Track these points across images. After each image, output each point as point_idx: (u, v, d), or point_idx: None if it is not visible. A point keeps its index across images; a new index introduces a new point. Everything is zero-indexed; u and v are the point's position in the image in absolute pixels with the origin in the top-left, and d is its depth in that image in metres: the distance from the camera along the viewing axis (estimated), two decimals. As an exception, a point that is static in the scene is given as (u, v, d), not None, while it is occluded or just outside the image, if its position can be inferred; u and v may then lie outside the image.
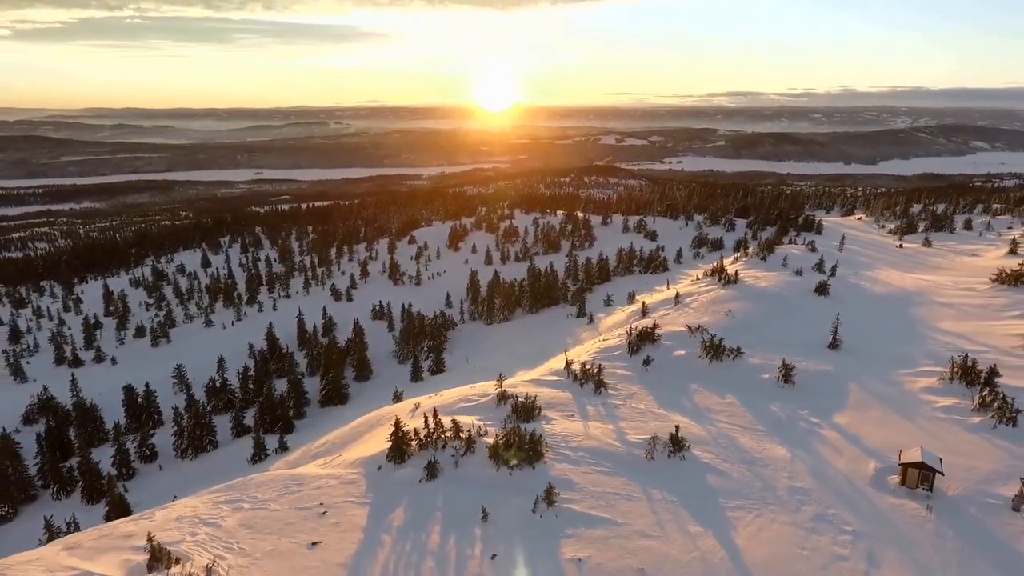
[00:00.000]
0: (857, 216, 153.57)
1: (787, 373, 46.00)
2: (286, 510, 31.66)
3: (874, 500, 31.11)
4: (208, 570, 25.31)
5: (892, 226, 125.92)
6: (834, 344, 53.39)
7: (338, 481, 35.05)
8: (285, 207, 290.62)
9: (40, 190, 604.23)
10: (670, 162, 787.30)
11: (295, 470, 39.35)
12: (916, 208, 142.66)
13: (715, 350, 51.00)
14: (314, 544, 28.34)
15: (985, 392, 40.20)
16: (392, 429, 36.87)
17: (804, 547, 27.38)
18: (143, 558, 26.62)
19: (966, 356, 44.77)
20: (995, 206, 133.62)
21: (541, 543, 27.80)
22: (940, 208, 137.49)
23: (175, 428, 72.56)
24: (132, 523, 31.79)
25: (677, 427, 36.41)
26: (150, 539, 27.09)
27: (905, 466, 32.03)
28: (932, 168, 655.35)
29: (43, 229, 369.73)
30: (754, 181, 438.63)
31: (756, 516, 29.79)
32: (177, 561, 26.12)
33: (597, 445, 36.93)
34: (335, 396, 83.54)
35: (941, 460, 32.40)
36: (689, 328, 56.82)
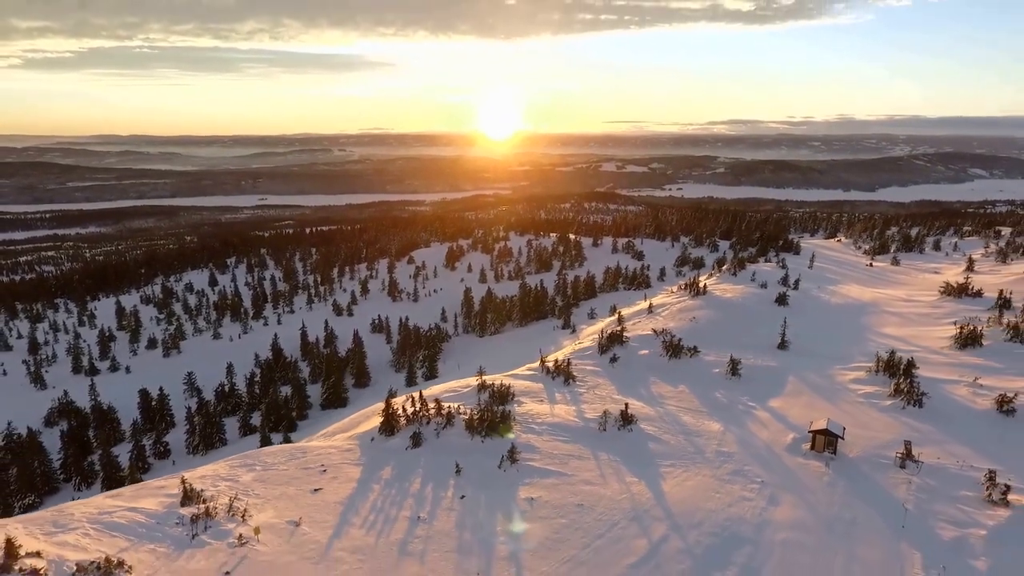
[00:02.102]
0: (838, 239, 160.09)
1: (734, 367, 52.09)
2: (292, 470, 37.61)
3: (785, 461, 37.12)
4: (230, 505, 31.33)
5: (867, 247, 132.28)
6: (782, 345, 59.62)
7: (336, 450, 41.05)
8: (289, 231, 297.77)
9: (47, 215, 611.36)
10: (670, 189, 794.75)
11: (299, 444, 45.41)
12: (893, 230, 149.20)
13: (674, 349, 57.16)
14: (316, 490, 34.33)
15: (900, 381, 46.26)
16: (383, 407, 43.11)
17: (718, 492, 33.39)
18: (176, 499, 32.61)
19: (892, 353, 50.86)
20: (965, 228, 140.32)
21: (503, 488, 33.83)
22: (915, 231, 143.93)
23: (187, 427, 78.76)
24: (163, 480, 37.73)
25: (627, 404, 42.59)
26: (183, 481, 33.18)
27: (813, 433, 38.07)
28: (930, 195, 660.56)
29: (50, 253, 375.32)
30: (753, 207, 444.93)
31: (684, 471, 35.84)
32: (204, 500, 32.12)
33: (559, 421, 43.01)
34: (335, 400, 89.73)
35: (844, 429, 38.48)
36: (655, 332, 62.88)
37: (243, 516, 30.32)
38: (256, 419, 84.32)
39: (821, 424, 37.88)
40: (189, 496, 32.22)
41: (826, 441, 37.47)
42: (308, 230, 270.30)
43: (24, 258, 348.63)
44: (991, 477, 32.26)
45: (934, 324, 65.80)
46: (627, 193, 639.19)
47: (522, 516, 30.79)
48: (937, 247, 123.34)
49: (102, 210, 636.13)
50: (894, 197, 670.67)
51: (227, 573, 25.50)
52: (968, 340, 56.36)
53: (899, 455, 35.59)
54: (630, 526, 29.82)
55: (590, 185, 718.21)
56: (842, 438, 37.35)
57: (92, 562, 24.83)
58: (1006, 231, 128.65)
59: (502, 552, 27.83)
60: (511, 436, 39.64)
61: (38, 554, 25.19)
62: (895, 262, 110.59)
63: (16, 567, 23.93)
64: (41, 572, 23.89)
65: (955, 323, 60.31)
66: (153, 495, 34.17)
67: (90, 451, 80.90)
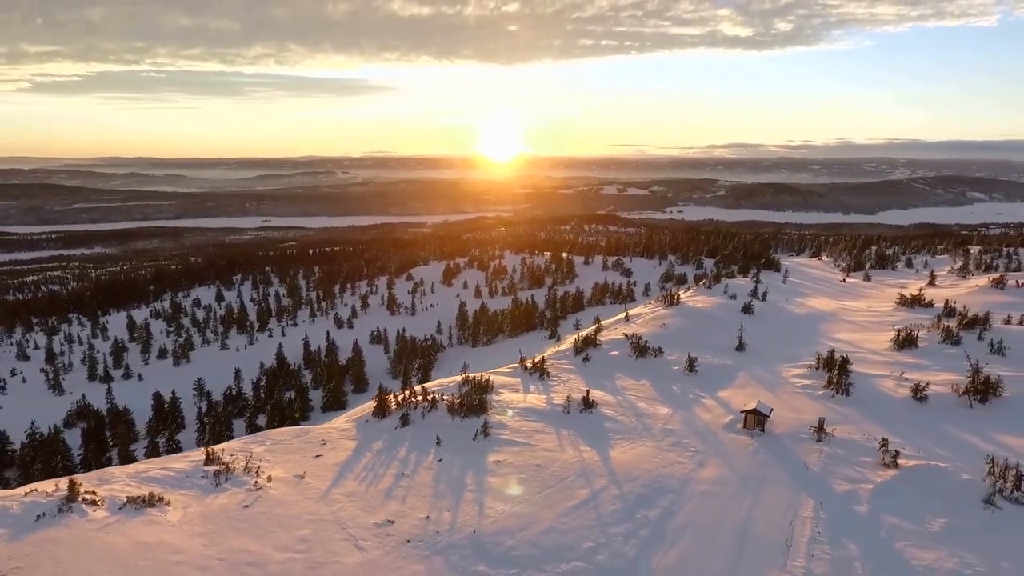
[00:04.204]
0: (820, 257, 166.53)
1: (691, 364, 58.36)
2: (297, 443, 43.81)
3: (719, 435, 43.25)
4: (245, 464, 37.53)
5: (844, 264, 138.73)
6: (740, 347, 65.90)
7: (335, 429, 47.25)
8: (293, 251, 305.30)
9: (53, 235, 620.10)
10: (671, 211, 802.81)
11: (303, 427, 51.69)
12: (872, 249, 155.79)
13: (641, 350, 63.47)
14: (317, 456, 40.54)
15: (833, 374, 52.52)
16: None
17: (657, 457, 39.53)
18: (200, 461, 38.81)
19: (832, 352, 57.07)
20: (939, 247, 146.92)
21: (475, 455, 39.97)
22: (892, 250, 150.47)
23: (198, 426, 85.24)
24: (186, 452, 44.14)
25: (588, 391, 48.88)
26: (206, 448, 39.48)
27: (745, 413, 44.23)
28: (930, 218, 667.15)
29: (56, 273, 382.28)
30: (753, 230, 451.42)
31: (631, 443, 41.98)
32: (224, 462, 38.34)
33: (530, 406, 49.22)
34: (335, 403, 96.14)
35: (772, 410, 44.61)
36: (626, 336, 69.15)
37: (257, 472, 36.54)
38: (262, 420, 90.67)
39: (752, 405, 44.10)
40: (211, 459, 38.43)
41: (755, 420, 43.59)
42: (311, 250, 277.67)
43: (30, 278, 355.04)
44: (884, 444, 38.42)
45: (883, 330, 71.92)
46: (628, 216, 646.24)
47: (488, 473, 37.03)
48: (909, 264, 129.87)
49: (107, 231, 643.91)
50: (894, 220, 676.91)
51: (246, 506, 31.75)
52: (905, 342, 62.66)
53: (813, 429, 41.82)
54: (577, 480, 36.02)
55: (591, 208, 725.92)
56: (768, 416, 43.49)
57: (138, 496, 31.11)
58: (975, 249, 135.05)
59: (469, 497, 34.03)
60: (486, 416, 45.88)
61: (93, 492, 31.48)
62: (867, 278, 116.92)
63: (79, 499, 30.18)
64: (98, 501, 30.23)
65: (893, 327, 66.52)
66: (179, 461, 40.38)
67: (107, 449, 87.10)
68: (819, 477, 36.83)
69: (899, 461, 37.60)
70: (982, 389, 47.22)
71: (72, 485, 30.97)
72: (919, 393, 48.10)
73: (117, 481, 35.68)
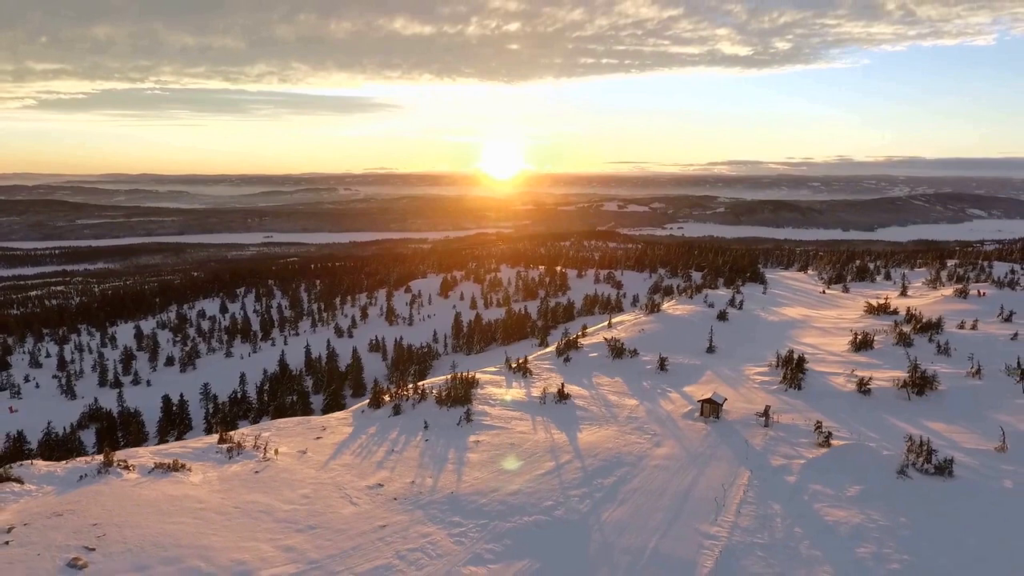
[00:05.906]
0: (806, 271, 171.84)
1: (662, 363, 63.47)
2: (300, 429, 48.95)
3: (677, 422, 48.29)
4: (255, 443, 42.65)
5: (826, 277, 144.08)
6: (710, 349, 71.11)
7: (335, 419, 52.42)
8: (295, 266, 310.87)
9: (56, 251, 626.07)
10: (671, 228, 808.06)
11: (306, 417, 56.86)
12: (855, 263, 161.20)
13: (618, 351, 68.62)
14: (317, 438, 45.69)
15: (787, 370, 57.63)
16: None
17: (619, 439, 44.55)
18: (214, 441, 43.93)
19: (791, 351, 62.16)
20: (918, 260, 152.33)
21: (457, 436, 45.08)
22: (874, 264, 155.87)
23: (205, 426, 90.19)
24: (200, 437, 49.21)
25: (563, 384, 54.03)
26: (219, 429, 44.58)
27: (701, 402, 49.31)
28: (929, 235, 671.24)
29: (59, 288, 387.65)
30: (753, 246, 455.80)
31: (597, 427, 47.03)
32: (235, 441, 43.44)
33: (510, 399, 54.34)
34: (335, 405, 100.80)
35: (726, 399, 49.67)
36: (606, 340, 74.36)
37: (265, 448, 41.65)
38: (265, 421, 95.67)
39: (707, 395, 49.23)
40: (224, 439, 43.56)
41: (711, 408, 48.63)
42: (313, 265, 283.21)
43: (34, 292, 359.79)
44: (818, 425, 43.46)
45: (846, 335, 76.72)
46: (628, 232, 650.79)
47: (468, 450, 42.15)
48: (888, 277, 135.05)
49: (110, 247, 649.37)
50: (893, 237, 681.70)
51: (256, 472, 36.85)
52: (861, 344, 67.77)
53: (758, 415, 46.89)
54: (545, 455, 41.08)
55: (592, 224, 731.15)
56: (722, 405, 48.53)
57: (164, 463, 36.25)
58: (951, 263, 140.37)
59: (449, 468, 39.11)
60: (470, 406, 51.02)
61: (125, 461, 36.61)
62: (845, 289, 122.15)
63: (114, 464, 35.32)
64: (130, 467, 35.36)
65: (851, 331, 71.65)
66: (196, 442, 45.45)
67: (119, 447, 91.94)
68: (759, 454, 41.80)
69: (832, 441, 42.56)
70: (919, 383, 52.26)
71: (107, 454, 36.14)
72: (863, 387, 53.11)
73: (142, 457, 40.79)
